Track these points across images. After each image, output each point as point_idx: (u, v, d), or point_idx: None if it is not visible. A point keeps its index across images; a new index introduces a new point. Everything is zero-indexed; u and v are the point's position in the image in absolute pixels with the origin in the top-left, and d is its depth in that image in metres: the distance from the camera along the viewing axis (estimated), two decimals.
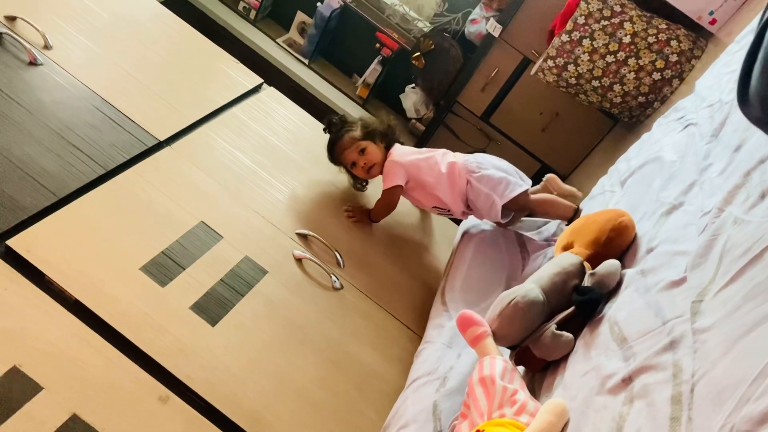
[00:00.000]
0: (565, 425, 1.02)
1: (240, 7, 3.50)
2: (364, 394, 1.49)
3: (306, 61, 3.48)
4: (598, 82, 2.38)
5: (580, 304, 1.20)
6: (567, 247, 1.38)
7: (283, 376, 1.42)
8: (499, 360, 1.20)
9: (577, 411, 1.02)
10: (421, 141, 3.29)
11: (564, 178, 3.06)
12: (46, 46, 1.82)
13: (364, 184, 1.99)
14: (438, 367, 1.47)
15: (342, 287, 1.69)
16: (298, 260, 1.68)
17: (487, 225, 1.93)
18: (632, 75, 2.33)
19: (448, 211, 1.91)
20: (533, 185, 1.87)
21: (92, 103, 1.74)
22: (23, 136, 1.53)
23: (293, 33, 3.59)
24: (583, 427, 0.97)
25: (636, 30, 2.29)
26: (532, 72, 2.56)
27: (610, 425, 0.92)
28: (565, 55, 2.37)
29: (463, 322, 1.31)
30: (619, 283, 1.22)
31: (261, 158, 1.93)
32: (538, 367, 1.25)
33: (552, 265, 1.32)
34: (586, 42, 2.32)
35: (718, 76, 1.52)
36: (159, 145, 1.74)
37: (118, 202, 1.53)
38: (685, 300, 0.98)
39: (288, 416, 1.36)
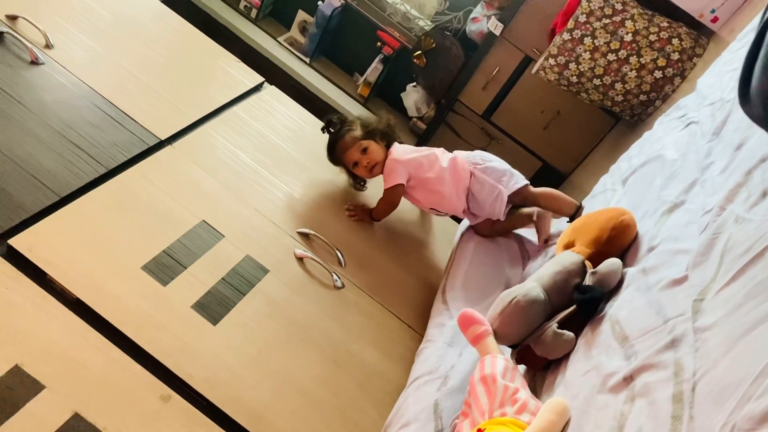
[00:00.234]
0: (567, 424, 1.02)
1: (241, 6, 3.50)
2: (366, 393, 1.50)
3: (307, 60, 3.48)
4: (599, 80, 2.38)
5: (582, 302, 1.20)
6: (568, 246, 1.38)
7: (285, 374, 1.43)
8: (500, 359, 1.21)
9: (579, 410, 1.02)
10: (422, 140, 3.29)
11: (565, 177, 3.06)
12: (48, 45, 1.82)
13: (363, 183, 1.99)
14: (439, 366, 1.47)
15: (343, 286, 1.69)
16: (300, 259, 1.68)
17: None
18: (634, 73, 2.32)
19: (446, 213, 1.92)
20: (533, 185, 1.87)
21: (93, 102, 1.74)
22: (25, 136, 1.53)
23: (294, 32, 3.59)
24: (585, 426, 0.98)
25: (637, 28, 2.29)
26: (534, 70, 2.56)
27: (612, 424, 0.92)
28: (566, 54, 2.36)
29: (464, 321, 1.31)
30: (621, 282, 1.21)
31: (262, 157, 1.93)
32: (539, 365, 1.25)
33: (553, 263, 1.32)
34: (587, 40, 2.32)
35: (720, 74, 1.52)
36: (160, 144, 1.74)
37: (119, 201, 1.53)
38: (686, 298, 0.98)
39: (289, 415, 1.36)
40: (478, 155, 1.86)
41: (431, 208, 1.91)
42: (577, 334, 1.20)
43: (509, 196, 1.79)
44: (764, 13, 0.88)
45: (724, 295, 0.91)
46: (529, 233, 1.93)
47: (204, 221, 1.61)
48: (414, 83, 3.39)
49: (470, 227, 1.92)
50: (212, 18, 3.40)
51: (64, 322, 1.25)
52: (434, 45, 3.16)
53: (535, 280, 1.28)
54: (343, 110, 3.24)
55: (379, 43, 3.33)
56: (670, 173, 1.37)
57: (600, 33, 2.31)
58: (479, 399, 1.15)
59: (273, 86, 2.29)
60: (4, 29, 1.77)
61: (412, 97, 3.38)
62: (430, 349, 1.55)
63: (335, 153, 1.91)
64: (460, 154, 1.85)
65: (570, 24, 2.33)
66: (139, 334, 1.31)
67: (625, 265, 1.25)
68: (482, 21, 3.02)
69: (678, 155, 1.41)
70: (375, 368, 1.56)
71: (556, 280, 1.27)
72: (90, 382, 1.20)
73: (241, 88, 2.14)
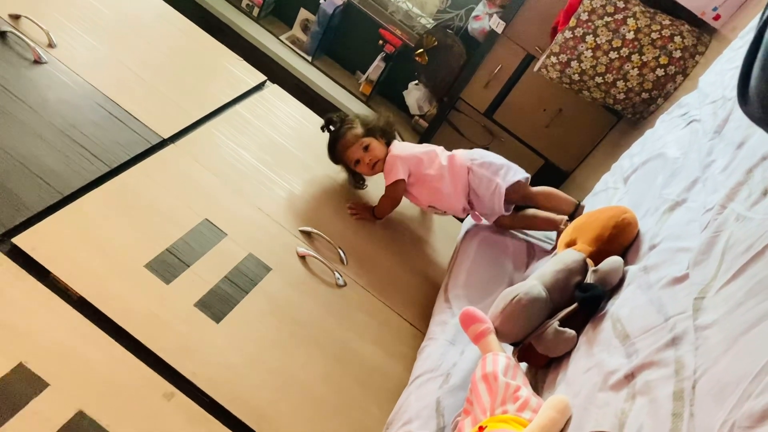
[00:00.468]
0: (568, 421, 1.02)
1: (243, 5, 3.50)
2: (368, 391, 1.50)
3: (309, 59, 3.48)
4: (601, 78, 2.38)
5: (583, 300, 1.21)
6: (570, 244, 1.38)
7: (287, 372, 1.43)
8: (501, 356, 1.21)
9: (580, 407, 1.02)
10: (424, 138, 3.28)
11: (567, 175, 3.06)
12: (51, 45, 1.82)
13: (363, 182, 2.00)
14: (441, 364, 1.47)
15: (345, 284, 1.70)
16: (302, 257, 1.69)
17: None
18: (635, 71, 2.32)
19: (444, 212, 1.93)
20: (535, 184, 1.88)
21: (96, 101, 1.75)
22: (28, 135, 1.54)
23: (296, 30, 3.59)
24: (586, 423, 0.98)
25: (639, 26, 2.29)
26: (536, 68, 2.56)
27: (613, 421, 0.92)
28: (568, 52, 2.36)
29: (466, 319, 1.31)
30: (622, 280, 1.22)
31: (264, 155, 1.93)
32: (541, 363, 1.25)
33: (555, 261, 1.32)
34: (589, 38, 2.32)
35: (722, 72, 1.52)
36: (163, 143, 1.75)
37: (122, 199, 1.54)
38: (687, 297, 0.98)
39: (292, 412, 1.37)
40: (476, 151, 1.88)
41: (430, 206, 1.92)
42: (579, 332, 1.20)
43: (509, 194, 1.79)
44: (763, 14, 0.87)
45: (724, 294, 0.91)
46: (540, 234, 1.94)
47: (207, 220, 1.61)
48: (416, 81, 3.39)
49: (476, 225, 1.92)
50: (214, 16, 3.40)
51: (68, 321, 1.26)
52: (436, 43, 3.16)
53: (536, 278, 1.28)
54: (345, 108, 3.24)
55: (381, 42, 3.34)
56: (671, 171, 1.37)
57: (602, 31, 2.30)
58: (481, 397, 1.15)
59: (275, 85, 2.29)
60: (7, 28, 1.77)
61: (414, 95, 3.38)
62: (432, 347, 1.55)
63: (336, 151, 1.91)
64: (459, 152, 1.87)
65: (572, 22, 2.33)
66: (143, 332, 1.31)
67: (626, 264, 1.26)
68: (484, 19, 3.02)
69: (680, 153, 1.41)
70: (377, 366, 1.56)
71: (557, 278, 1.27)
72: (94, 380, 1.21)
73: (244, 87, 2.14)
